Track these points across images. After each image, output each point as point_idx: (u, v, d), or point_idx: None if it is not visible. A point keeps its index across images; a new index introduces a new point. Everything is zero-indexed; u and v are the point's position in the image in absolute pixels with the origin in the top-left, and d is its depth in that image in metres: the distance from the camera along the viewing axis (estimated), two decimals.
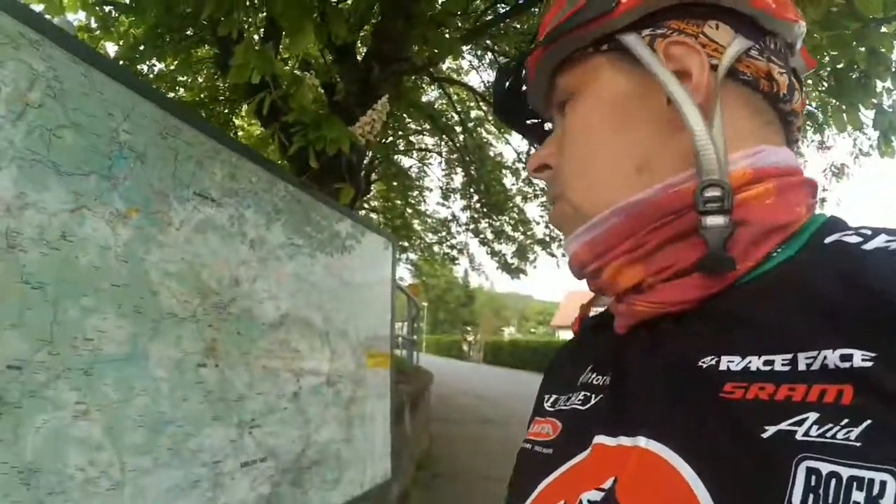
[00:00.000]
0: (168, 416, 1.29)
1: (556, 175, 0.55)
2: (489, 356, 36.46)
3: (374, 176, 10.57)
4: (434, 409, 8.21)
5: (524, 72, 0.58)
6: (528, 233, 11.67)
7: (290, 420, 1.74)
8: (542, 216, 11.83)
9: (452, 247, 13.77)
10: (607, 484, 0.40)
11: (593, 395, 0.50)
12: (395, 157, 11.34)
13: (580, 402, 0.51)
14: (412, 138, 11.39)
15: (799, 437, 0.32)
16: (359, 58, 5.19)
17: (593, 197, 0.49)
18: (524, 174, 10.54)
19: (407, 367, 6.56)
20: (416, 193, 12.65)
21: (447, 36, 4.66)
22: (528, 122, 0.65)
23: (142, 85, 1.32)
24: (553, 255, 11.60)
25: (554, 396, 0.57)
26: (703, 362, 0.39)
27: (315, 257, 1.93)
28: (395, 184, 11.78)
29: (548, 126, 0.63)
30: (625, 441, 0.41)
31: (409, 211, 12.90)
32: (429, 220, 13.71)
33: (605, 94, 0.50)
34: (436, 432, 7.65)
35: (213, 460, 1.41)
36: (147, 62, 5.62)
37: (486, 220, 11.81)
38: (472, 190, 11.44)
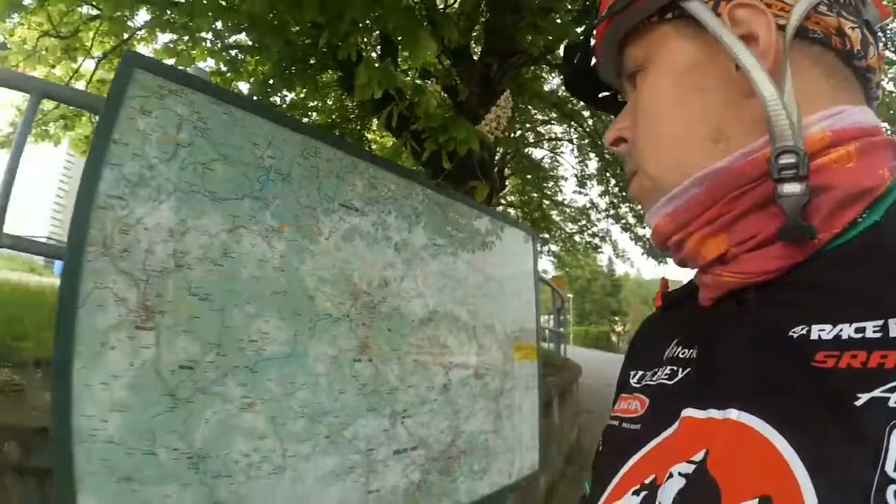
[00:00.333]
0: (326, 407, 1.43)
1: (633, 148, 0.54)
2: None
3: (507, 171, 10.58)
4: (582, 401, 8.03)
5: (591, 46, 0.59)
6: None
7: (439, 411, 1.83)
8: None
9: (594, 235, 13.39)
10: (698, 456, 0.39)
11: (680, 369, 0.49)
12: (526, 149, 11.26)
13: (667, 377, 0.50)
14: (540, 129, 11.24)
15: (892, 403, 0.31)
16: (475, 58, 5.25)
17: (670, 168, 0.49)
18: None
19: (555, 360, 6.50)
20: (551, 184, 12.47)
21: (558, 21, 4.55)
22: (601, 94, 0.64)
23: (278, 115, 1.47)
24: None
25: (640, 372, 0.56)
26: (794, 332, 0.39)
27: (458, 255, 2.01)
28: (529, 177, 11.67)
29: (622, 98, 0.63)
30: (715, 414, 0.41)
31: (546, 202, 12.71)
32: (567, 210, 13.44)
33: (673, 64, 0.49)
34: (584, 425, 7.49)
35: (367, 448, 1.53)
36: (279, 94, 6.11)
37: (627, 203, 11.32)
38: (608, 174, 11.04)
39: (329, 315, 1.46)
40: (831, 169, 0.40)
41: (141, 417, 1.07)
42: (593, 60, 0.60)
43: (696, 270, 0.52)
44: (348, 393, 1.49)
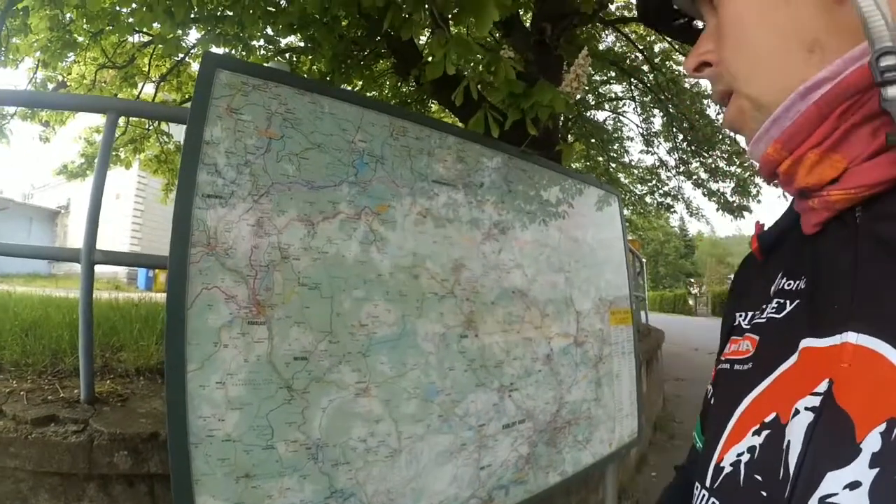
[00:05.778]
0: (437, 386, 1.43)
1: (721, 71, 0.51)
2: (717, 308, 33.71)
3: (570, 137, 10.32)
4: (665, 368, 7.83)
5: None
6: (746, 164, 10.45)
7: (544, 382, 1.81)
8: None
9: (665, 194, 12.88)
10: (822, 387, 0.38)
11: (788, 302, 0.48)
12: (587, 112, 10.95)
13: (775, 311, 0.49)
14: (600, 90, 10.91)
15: None
16: (527, 26, 5.12)
17: (769, 84, 0.46)
18: None
19: (638, 326, 6.36)
20: (616, 146, 12.10)
21: None
22: (676, 22, 0.62)
23: (362, 98, 1.47)
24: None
25: (749, 313, 0.55)
26: None
27: (549, 222, 1.98)
28: (593, 140, 11.37)
29: (698, 24, 0.61)
30: (832, 341, 0.39)
31: (613, 165, 12.35)
32: (635, 171, 12.99)
33: None
34: (669, 392, 7.31)
35: (478, 424, 1.53)
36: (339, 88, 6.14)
37: (697, 158, 10.82)
38: (674, 129, 10.57)
39: (434, 293, 1.46)
40: None
41: (259, 413, 1.09)
42: None
43: (793, 199, 0.50)
44: (457, 370, 1.49)
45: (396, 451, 1.31)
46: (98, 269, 1.55)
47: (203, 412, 1.03)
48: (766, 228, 0.58)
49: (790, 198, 0.53)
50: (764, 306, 0.52)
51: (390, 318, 1.34)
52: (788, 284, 0.49)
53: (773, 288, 0.51)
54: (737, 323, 0.56)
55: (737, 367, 0.51)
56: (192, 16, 4.03)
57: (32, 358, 1.87)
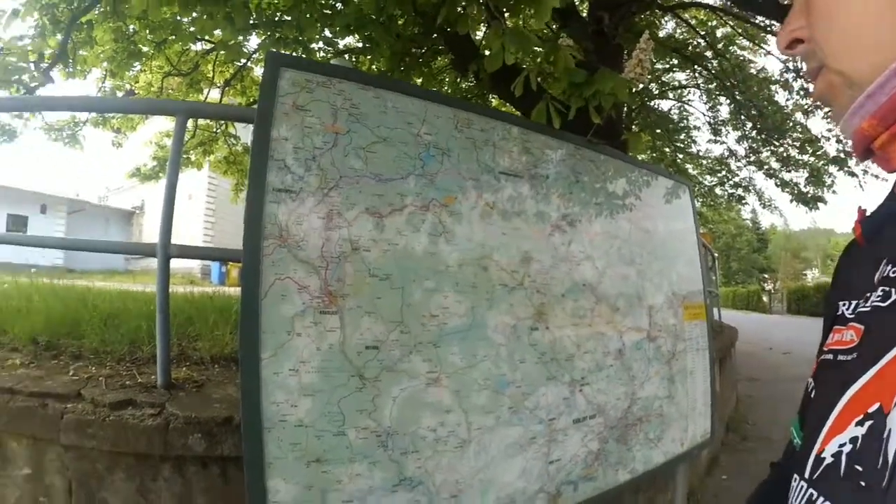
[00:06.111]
0: (508, 378, 1.42)
1: (813, 48, 0.51)
2: (793, 305, 32.09)
3: (634, 128, 10.04)
4: (738, 367, 7.52)
5: None
6: (819, 152, 9.89)
7: (615, 377, 1.77)
8: (830, 129, 9.78)
9: (736, 185, 12.33)
10: None
11: (894, 290, 0.46)
12: (651, 102, 10.63)
13: (880, 300, 0.47)
14: (663, 78, 10.55)
15: None
16: (584, 16, 5.04)
17: (862, 60, 0.45)
18: (797, 85, 8.99)
19: (712, 322, 6.13)
20: (682, 136, 11.67)
21: None
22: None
23: (425, 91, 1.47)
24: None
25: (853, 302, 0.53)
26: None
27: (618, 213, 1.94)
28: (658, 131, 11.01)
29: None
30: None
31: (680, 156, 11.92)
32: (703, 162, 12.49)
33: None
34: (742, 392, 7.01)
35: (548, 417, 1.51)
36: None
37: (767, 147, 10.33)
38: (742, 117, 10.11)
39: (504, 284, 1.45)
40: None
41: (330, 400, 1.12)
42: None
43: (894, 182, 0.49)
44: (528, 362, 1.47)
45: (466, 441, 1.32)
46: (173, 264, 1.62)
47: (276, 398, 1.07)
48: (868, 214, 0.55)
49: (867, 187, 0.50)
50: (868, 295, 0.49)
51: (460, 310, 1.34)
52: (894, 272, 0.47)
53: (877, 276, 0.49)
54: (840, 312, 0.55)
55: (840, 357, 0.50)
56: (252, 22, 4.15)
57: (111, 346, 1.97)
